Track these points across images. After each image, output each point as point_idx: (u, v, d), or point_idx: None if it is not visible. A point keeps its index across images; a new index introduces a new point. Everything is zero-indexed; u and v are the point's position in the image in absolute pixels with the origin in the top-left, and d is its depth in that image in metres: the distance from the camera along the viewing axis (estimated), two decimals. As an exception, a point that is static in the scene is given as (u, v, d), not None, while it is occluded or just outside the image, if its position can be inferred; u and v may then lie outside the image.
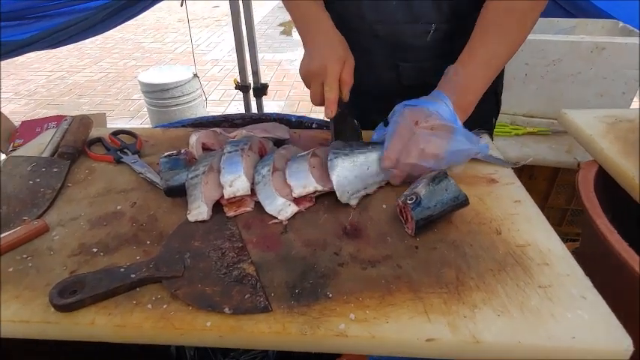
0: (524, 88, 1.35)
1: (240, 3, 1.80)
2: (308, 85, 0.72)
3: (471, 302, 0.45)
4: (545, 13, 1.54)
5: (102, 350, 0.65)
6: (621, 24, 1.44)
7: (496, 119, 0.95)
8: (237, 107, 3.37)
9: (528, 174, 1.39)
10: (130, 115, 3.34)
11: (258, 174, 0.62)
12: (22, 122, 1.63)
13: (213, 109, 3.33)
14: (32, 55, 4.50)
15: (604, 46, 1.24)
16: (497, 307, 0.45)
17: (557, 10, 1.66)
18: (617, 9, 1.56)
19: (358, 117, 0.78)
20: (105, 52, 4.81)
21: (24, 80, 4.06)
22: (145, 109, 2.97)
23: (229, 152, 0.62)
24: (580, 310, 0.44)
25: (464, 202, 0.56)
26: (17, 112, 3.40)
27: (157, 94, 2.72)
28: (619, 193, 0.71)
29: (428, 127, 0.62)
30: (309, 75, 0.70)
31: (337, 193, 0.60)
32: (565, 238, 1.40)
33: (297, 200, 0.60)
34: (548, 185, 1.41)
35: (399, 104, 0.67)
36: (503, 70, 0.91)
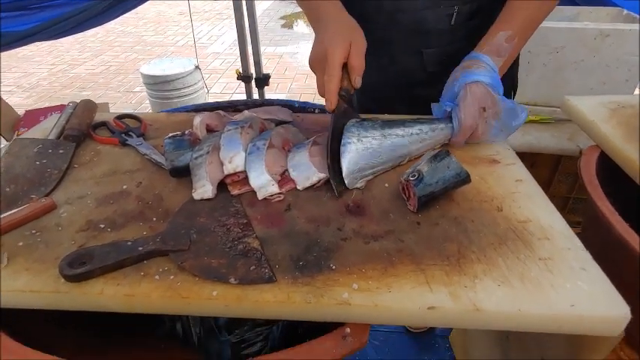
0: (527, 76, 1.35)
1: (242, -6, 1.80)
2: (315, 73, 0.67)
3: (472, 273, 0.46)
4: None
5: (108, 328, 0.67)
6: (625, 11, 1.44)
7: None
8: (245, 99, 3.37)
9: (530, 162, 1.39)
10: (132, 108, 3.34)
11: (253, 145, 0.62)
12: (26, 112, 1.64)
13: (226, 100, 3.33)
14: (34, 47, 4.51)
15: (608, 33, 1.24)
16: (498, 277, 0.46)
17: (560, -1, 1.65)
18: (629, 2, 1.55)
19: (381, 107, 0.75)
20: (106, 45, 4.81)
21: (26, 73, 4.07)
22: (147, 101, 2.98)
23: (229, 130, 0.62)
24: (580, 282, 0.45)
25: (465, 179, 0.56)
26: (19, 104, 3.41)
27: (158, 85, 2.72)
28: (621, 178, 0.71)
29: (493, 112, 0.66)
30: (313, 62, 0.66)
31: (346, 180, 0.60)
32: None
33: (281, 182, 0.61)
34: (550, 173, 1.41)
35: (457, 79, 0.66)
36: (518, 60, 0.91)
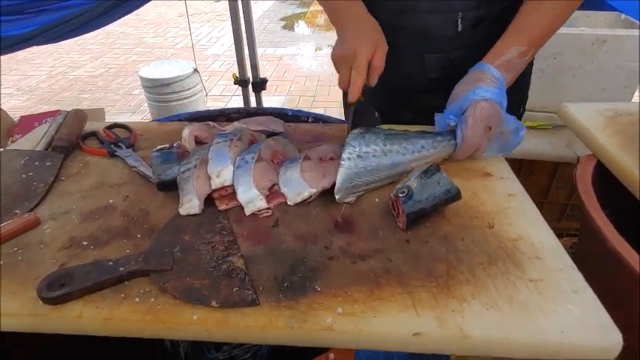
0: (525, 81, 1.34)
1: (239, -2, 1.79)
2: (338, 69, 0.70)
3: (460, 296, 0.45)
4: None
5: (96, 345, 0.66)
6: (623, 16, 1.42)
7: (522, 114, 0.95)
8: (237, 102, 3.36)
9: (528, 169, 1.37)
10: (131, 111, 3.34)
11: (241, 159, 0.61)
12: (21, 117, 1.64)
13: (214, 105, 3.32)
14: (34, 50, 4.51)
15: (605, 39, 1.22)
16: (487, 301, 0.44)
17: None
18: (621, 2, 1.54)
19: (382, 111, 0.76)
20: (106, 47, 4.81)
21: (25, 76, 4.06)
22: (146, 104, 2.97)
23: (217, 143, 0.61)
24: (570, 305, 0.44)
25: (456, 195, 0.55)
26: (18, 107, 3.41)
27: (157, 88, 2.71)
28: (617, 187, 0.70)
29: (498, 132, 0.66)
30: (339, 58, 0.69)
31: (337, 195, 0.59)
32: (565, 233, 1.39)
33: (269, 197, 0.60)
34: (547, 180, 1.40)
35: (466, 94, 0.65)
36: (531, 69, 0.90)
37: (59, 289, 0.45)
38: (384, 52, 0.68)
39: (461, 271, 0.48)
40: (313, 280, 0.48)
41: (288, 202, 0.60)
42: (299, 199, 0.60)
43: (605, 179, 0.73)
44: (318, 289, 0.46)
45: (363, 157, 0.62)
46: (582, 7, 1.56)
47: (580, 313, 0.43)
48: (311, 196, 0.60)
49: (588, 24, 1.43)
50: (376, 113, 0.73)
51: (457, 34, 0.75)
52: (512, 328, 0.41)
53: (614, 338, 0.40)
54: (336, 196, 0.59)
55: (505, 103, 0.66)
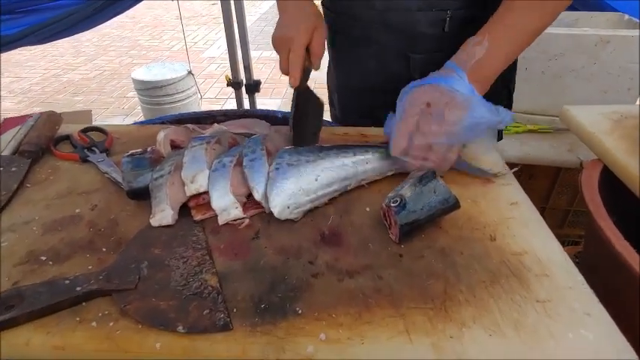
0: (525, 83, 1.29)
1: (232, 1, 1.75)
2: (278, 54, 0.68)
3: (459, 320, 0.40)
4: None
5: None
6: (627, 17, 1.38)
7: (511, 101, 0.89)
8: (233, 105, 3.32)
9: (528, 173, 1.33)
10: (125, 114, 3.28)
11: (218, 162, 0.56)
12: (5, 120, 1.58)
13: (209, 108, 3.27)
14: (27, 52, 4.46)
15: (608, 40, 1.18)
16: (489, 325, 0.39)
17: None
18: (623, 3, 1.50)
19: (362, 111, 0.73)
20: (101, 49, 4.76)
21: (18, 78, 4.01)
22: (140, 107, 2.92)
23: (193, 147, 0.56)
24: (583, 329, 0.39)
25: (454, 205, 0.50)
26: (10, 109, 3.36)
27: (150, 91, 2.67)
28: (625, 194, 0.66)
29: (442, 104, 0.57)
30: (278, 42, 0.67)
31: (274, 210, 0.53)
32: (566, 241, 1.34)
33: (246, 205, 0.54)
34: (549, 185, 1.35)
35: (407, 86, 0.61)
36: (516, 65, 0.85)
37: (5, 312, 0.40)
38: (323, 37, 0.67)
39: (460, 290, 0.43)
40: (294, 300, 0.42)
41: (266, 210, 0.54)
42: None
43: (611, 185, 0.69)
44: (300, 311, 0.41)
45: (295, 164, 0.57)
46: (584, 8, 1.53)
47: (594, 339, 0.38)
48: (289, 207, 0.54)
49: (590, 25, 1.39)
50: (319, 99, 0.70)
51: (444, 34, 0.72)
52: (519, 357, 0.36)
53: (634, 370, 0.35)
54: (274, 212, 0.53)
55: (460, 88, 0.58)
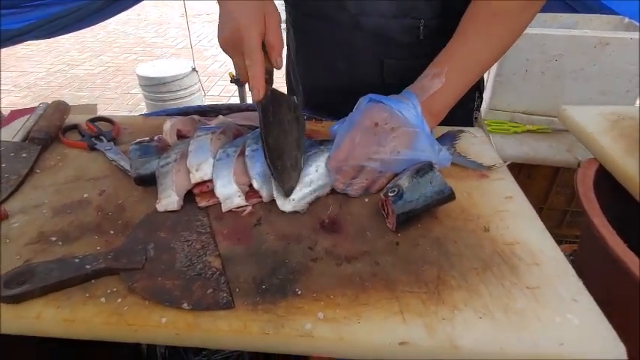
0: (524, 84, 1.31)
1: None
2: (230, 57, 0.57)
3: (451, 303, 0.42)
4: (548, 9, 1.50)
5: (69, 347, 0.62)
6: (627, 20, 1.40)
7: (477, 118, 0.89)
8: (236, 103, 3.34)
9: (527, 173, 1.34)
10: (129, 109, 3.31)
11: (223, 152, 0.58)
12: (11, 111, 1.61)
13: (209, 104, 3.29)
14: (34, 47, 4.50)
15: (607, 42, 1.20)
16: (480, 308, 0.41)
17: (560, 7, 1.61)
18: (623, 6, 1.51)
19: (330, 110, 0.68)
20: (106, 45, 4.79)
21: (24, 72, 4.04)
22: (144, 103, 2.95)
23: (198, 136, 0.58)
24: (570, 314, 0.41)
25: (449, 196, 0.52)
26: (16, 103, 3.39)
27: (154, 87, 2.69)
28: (620, 193, 0.67)
29: (388, 128, 0.56)
30: (225, 46, 0.55)
31: (279, 204, 0.54)
32: (564, 241, 1.36)
33: (249, 193, 0.56)
34: (547, 185, 1.36)
35: (364, 97, 0.60)
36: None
37: (18, 286, 0.41)
38: (278, 23, 0.55)
39: (452, 276, 0.45)
40: (294, 282, 0.44)
41: (264, 200, 0.56)
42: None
43: (607, 184, 0.70)
44: (299, 292, 0.43)
45: None
46: (584, 10, 1.54)
47: (580, 323, 0.40)
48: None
49: (591, 27, 1.40)
50: (294, 99, 0.61)
51: (419, 42, 0.72)
52: (507, 339, 0.38)
53: (616, 351, 0.37)
54: (278, 202, 0.54)
55: (409, 117, 0.58)
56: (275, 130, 0.56)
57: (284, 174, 0.54)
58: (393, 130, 0.56)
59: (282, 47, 0.57)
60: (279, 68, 0.57)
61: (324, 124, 0.79)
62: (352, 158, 0.55)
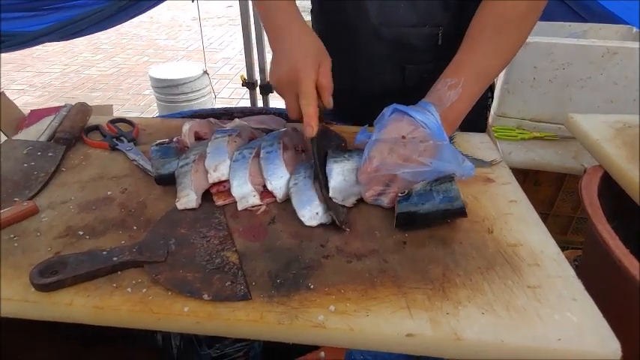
0: (532, 91, 1.33)
1: (250, 2, 1.81)
2: (282, 96, 0.62)
3: (455, 299, 0.44)
4: (557, 17, 1.52)
5: (88, 338, 0.65)
6: (635, 30, 1.41)
7: (487, 120, 0.92)
8: (246, 105, 3.38)
9: (533, 180, 1.36)
10: (140, 110, 3.37)
11: (239, 153, 0.61)
12: (31, 111, 1.66)
13: (223, 107, 3.34)
14: (49, 48, 4.59)
15: (616, 51, 1.21)
16: (483, 305, 0.43)
17: (569, 15, 1.63)
18: (634, 16, 1.52)
19: (350, 112, 0.72)
20: (119, 47, 4.88)
21: (39, 72, 4.13)
22: (155, 104, 3.00)
23: (216, 138, 0.61)
24: (569, 312, 0.43)
25: (459, 209, 0.53)
26: (31, 103, 3.47)
27: (166, 89, 2.74)
28: (625, 200, 0.69)
29: (416, 140, 0.58)
30: (281, 84, 0.60)
31: (304, 220, 0.55)
32: (570, 247, 1.36)
33: (263, 193, 0.59)
34: (553, 192, 1.38)
35: (388, 107, 0.61)
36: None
37: (51, 276, 0.45)
38: (330, 69, 0.60)
39: (457, 275, 0.47)
40: (307, 277, 0.47)
41: (277, 200, 0.59)
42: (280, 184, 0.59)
43: (612, 191, 0.72)
44: (312, 286, 0.46)
45: (348, 158, 0.60)
46: (593, 19, 1.55)
47: (578, 321, 0.42)
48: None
49: (599, 36, 1.42)
50: (340, 136, 0.67)
51: (437, 47, 0.75)
52: (508, 333, 0.40)
53: (612, 347, 0.39)
54: (305, 222, 0.55)
55: (437, 132, 0.59)
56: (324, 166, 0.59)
57: (337, 207, 0.56)
58: (420, 142, 0.57)
59: (332, 89, 0.61)
60: (330, 108, 0.62)
61: (334, 128, 0.82)
62: (385, 168, 0.56)
